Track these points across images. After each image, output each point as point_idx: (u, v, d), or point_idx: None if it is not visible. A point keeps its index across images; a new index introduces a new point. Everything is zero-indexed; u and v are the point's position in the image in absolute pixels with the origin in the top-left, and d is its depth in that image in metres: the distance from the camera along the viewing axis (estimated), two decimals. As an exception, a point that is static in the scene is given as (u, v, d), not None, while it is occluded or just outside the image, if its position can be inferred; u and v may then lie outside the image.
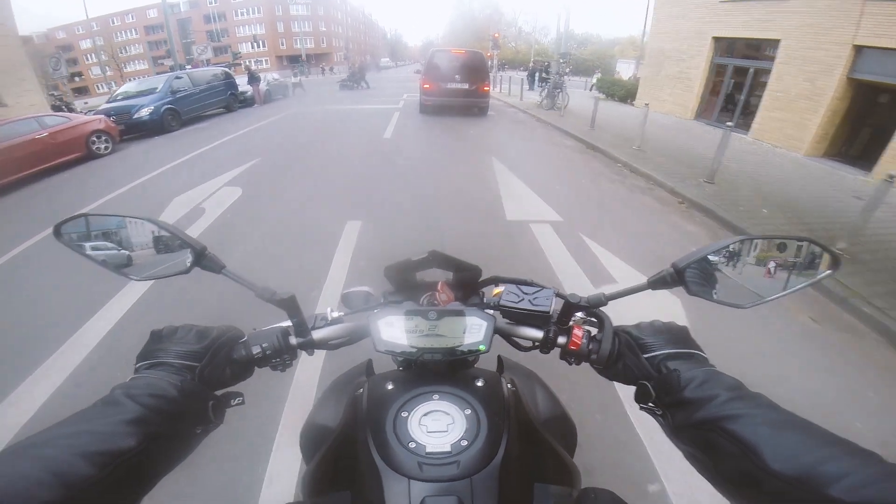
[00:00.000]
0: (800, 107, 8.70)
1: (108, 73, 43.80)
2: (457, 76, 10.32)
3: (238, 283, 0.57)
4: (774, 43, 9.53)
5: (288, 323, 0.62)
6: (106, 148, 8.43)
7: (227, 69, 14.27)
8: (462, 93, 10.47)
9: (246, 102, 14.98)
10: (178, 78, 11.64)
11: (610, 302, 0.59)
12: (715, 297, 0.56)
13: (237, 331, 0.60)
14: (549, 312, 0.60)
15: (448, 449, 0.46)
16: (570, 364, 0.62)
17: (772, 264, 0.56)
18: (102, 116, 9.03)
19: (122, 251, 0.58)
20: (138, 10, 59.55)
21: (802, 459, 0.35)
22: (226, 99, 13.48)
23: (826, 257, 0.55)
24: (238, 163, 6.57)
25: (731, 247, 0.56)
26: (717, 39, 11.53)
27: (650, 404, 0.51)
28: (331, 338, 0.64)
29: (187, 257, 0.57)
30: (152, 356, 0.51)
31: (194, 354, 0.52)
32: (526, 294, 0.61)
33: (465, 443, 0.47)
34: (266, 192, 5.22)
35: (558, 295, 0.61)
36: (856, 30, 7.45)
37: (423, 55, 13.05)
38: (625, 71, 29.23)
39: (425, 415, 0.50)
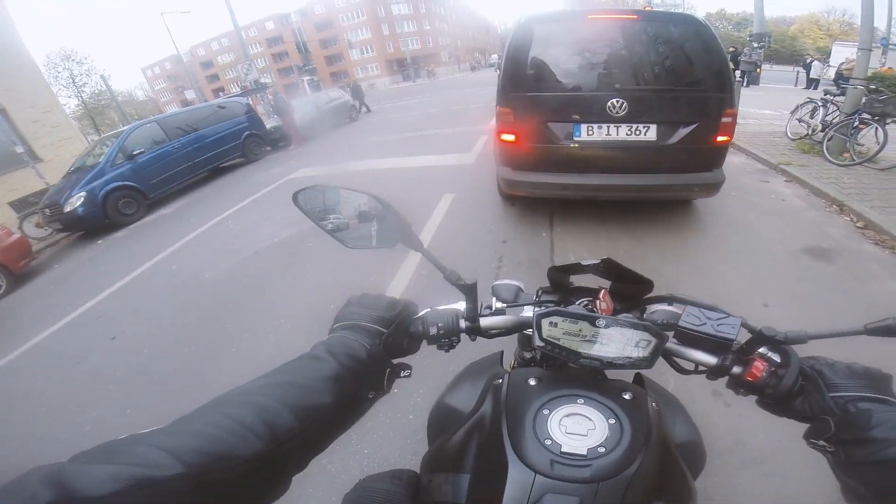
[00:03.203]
0: None
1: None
2: (616, 102, 3.07)
3: (432, 262, 0.62)
4: None
5: (459, 307, 0.65)
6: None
7: (246, 100, 10.06)
8: (639, 160, 3.29)
9: (284, 140, 10.72)
10: (142, 129, 7.47)
11: (811, 341, 0.54)
12: None
13: (415, 306, 0.64)
14: (729, 340, 0.57)
15: (584, 452, 0.47)
16: (738, 394, 0.59)
17: None
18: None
19: (343, 219, 0.64)
20: (258, 24, 62.72)
21: None
22: (240, 145, 9.24)
23: None
24: None
25: None
26: None
27: (822, 442, 0.49)
28: (494, 327, 0.65)
29: (397, 232, 0.61)
30: (348, 318, 0.56)
31: (384, 321, 0.55)
32: (710, 318, 0.59)
33: (602, 449, 0.47)
34: None
35: (745, 325, 0.58)
36: None
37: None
38: (839, 56, 19.97)
39: (567, 416, 0.51)
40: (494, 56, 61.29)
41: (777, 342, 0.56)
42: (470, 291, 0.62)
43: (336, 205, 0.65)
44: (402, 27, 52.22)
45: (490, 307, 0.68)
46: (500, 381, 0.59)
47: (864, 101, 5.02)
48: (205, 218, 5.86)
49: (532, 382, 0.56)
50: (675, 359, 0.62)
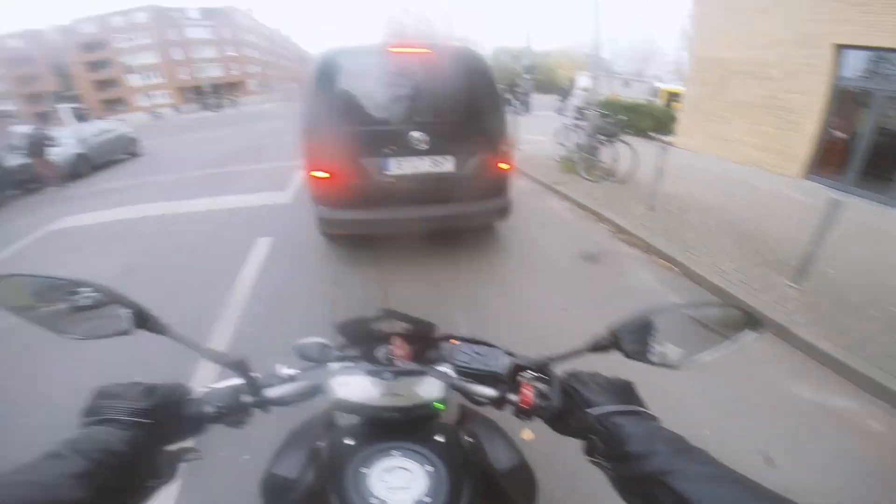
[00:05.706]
0: None
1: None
2: (418, 134, 3.26)
3: (184, 344, 0.57)
4: None
5: (241, 381, 0.60)
6: None
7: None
8: (444, 190, 3.48)
9: (35, 182, 8.09)
10: None
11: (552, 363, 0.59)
12: (649, 359, 0.56)
13: (185, 388, 0.59)
14: (497, 373, 0.60)
15: None
16: (523, 420, 0.60)
17: (702, 327, 0.57)
18: None
19: (59, 310, 0.55)
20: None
21: None
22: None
23: (750, 320, 0.58)
24: None
25: (664, 313, 0.57)
26: (841, 48, 6.65)
27: (598, 458, 0.50)
28: (285, 396, 0.62)
29: (129, 318, 0.55)
30: (99, 413, 0.50)
31: (143, 412, 0.51)
32: (478, 354, 0.63)
33: (428, 499, 0.48)
34: None
35: (508, 354, 0.63)
36: None
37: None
38: (581, 84, 24.89)
39: (386, 471, 0.51)
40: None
41: (526, 368, 0.58)
42: (238, 367, 0.59)
43: (50, 293, 0.56)
44: (199, 52, 46.75)
45: (279, 376, 0.63)
46: (321, 443, 0.59)
47: (598, 124, 6.34)
48: None
49: (348, 441, 0.56)
50: (469, 395, 0.61)
